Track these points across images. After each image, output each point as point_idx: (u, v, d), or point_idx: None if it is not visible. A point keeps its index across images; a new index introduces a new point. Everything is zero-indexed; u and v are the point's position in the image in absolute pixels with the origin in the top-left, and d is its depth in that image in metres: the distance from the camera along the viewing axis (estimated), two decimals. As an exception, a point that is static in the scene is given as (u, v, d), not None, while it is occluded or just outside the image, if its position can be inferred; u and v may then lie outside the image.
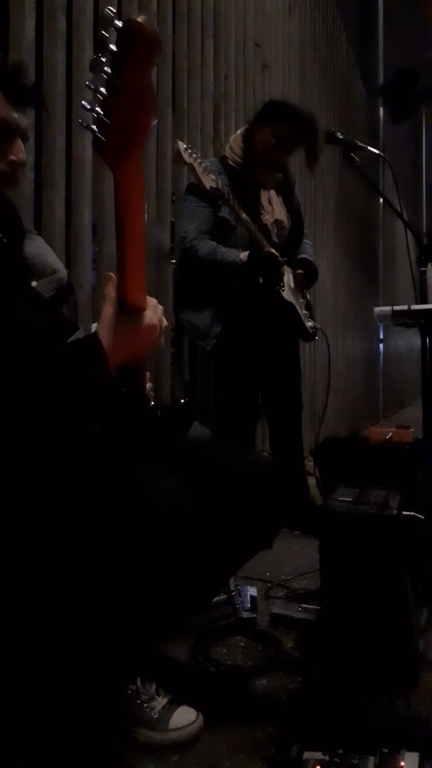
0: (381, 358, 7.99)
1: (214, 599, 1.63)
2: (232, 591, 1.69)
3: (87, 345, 0.95)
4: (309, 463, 2.90)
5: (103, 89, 0.75)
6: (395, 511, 1.44)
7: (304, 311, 2.61)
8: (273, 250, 2.29)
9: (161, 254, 2.64)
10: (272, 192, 2.57)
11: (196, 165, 2.07)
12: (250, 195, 2.45)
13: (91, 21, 2.13)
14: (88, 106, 0.77)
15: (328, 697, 1.35)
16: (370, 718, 1.28)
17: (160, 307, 1.01)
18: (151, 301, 0.99)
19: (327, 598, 1.49)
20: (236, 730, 1.25)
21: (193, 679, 1.47)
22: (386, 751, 1.09)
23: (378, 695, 1.34)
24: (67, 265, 2.03)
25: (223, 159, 2.51)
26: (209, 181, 2.09)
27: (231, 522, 1.14)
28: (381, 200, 7.11)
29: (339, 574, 1.45)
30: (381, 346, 7.98)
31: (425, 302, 2.23)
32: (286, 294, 2.47)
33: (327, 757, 1.08)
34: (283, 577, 2.08)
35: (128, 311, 0.95)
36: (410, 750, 1.09)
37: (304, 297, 2.64)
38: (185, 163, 2.08)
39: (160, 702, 1.22)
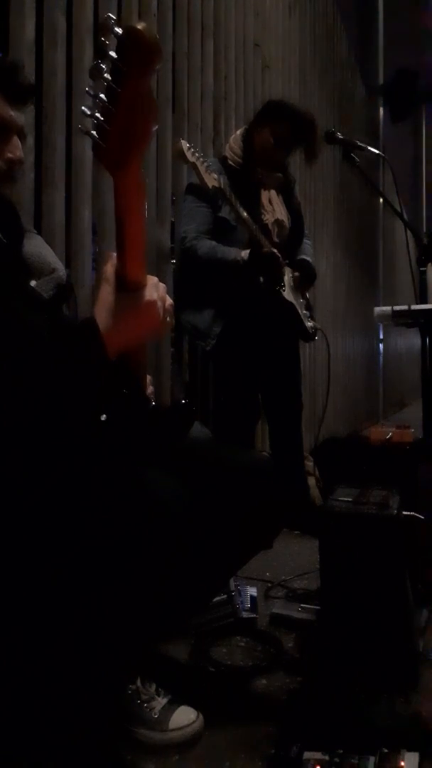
0: (381, 358, 7.99)
1: (214, 599, 1.63)
2: (232, 591, 1.69)
3: (82, 328, 0.92)
4: (309, 463, 2.90)
5: (102, 95, 0.75)
6: (395, 511, 1.44)
7: (305, 311, 2.61)
8: (274, 250, 2.29)
9: (161, 254, 2.64)
10: (272, 192, 2.57)
11: (198, 164, 2.07)
12: (251, 195, 2.45)
13: (91, 21, 2.13)
14: (88, 112, 0.77)
15: (328, 697, 1.35)
16: (370, 718, 1.28)
17: (162, 285, 0.96)
18: (152, 279, 0.95)
19: (327, 598, 1.49)
20: (236, 730, 1.25)
21: (193, 679, 1.47)
22: (386, 751, 1.09)
23: (378, 695, 1.34)
24: (67, 265, 2.03)
25: (223, 159, 2.51)
26: (212, 181, 2.10)
27: (231, 522, 1.14)
28: (381, 200, 7.11)
29: (339, 574, 1.45)
30: (381, 346, 7.99)
31: (425, 302, 2.23)
32: (287, 294, 2.47)
33: (327, 757, 1.08)
34: (283, 577, 2.08)
35: (127, 288, 0.92)
36: (410, 750, 1.09)
37: (304, 297, 2.64)
38: (188, 162, 2.08)
39: (160, 702, 1.22)
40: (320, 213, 4.96)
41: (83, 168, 2.12)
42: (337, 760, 1.08)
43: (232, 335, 2.38)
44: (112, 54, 0.72)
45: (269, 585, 2.02)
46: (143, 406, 1.09)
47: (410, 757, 1.07)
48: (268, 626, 1.72)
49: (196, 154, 2.07)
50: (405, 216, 2.56)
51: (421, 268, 2.24)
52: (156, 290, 0.94)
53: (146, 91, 0.75)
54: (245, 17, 3.49)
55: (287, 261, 2.42)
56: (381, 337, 7.94)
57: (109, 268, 0.92)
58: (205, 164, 2.10)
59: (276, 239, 2.50)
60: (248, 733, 1.24)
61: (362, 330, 6.66)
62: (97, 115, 0.75)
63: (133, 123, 0.76)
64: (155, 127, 0.79)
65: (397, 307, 2.15)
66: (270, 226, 2.51)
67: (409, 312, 2.14)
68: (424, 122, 12.73)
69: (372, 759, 1.07)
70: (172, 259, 2.67)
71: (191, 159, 2.06)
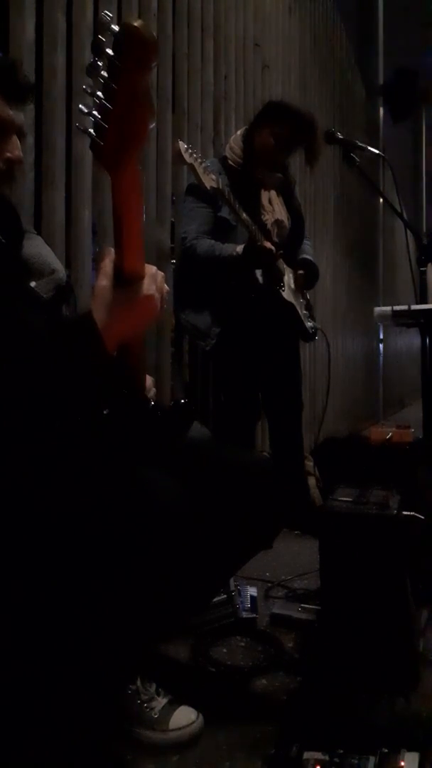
0: (381, 358, 7.99)
1: (214, 599, 1.63)
2: (232, 591, 1.69)
3: (80, 323, 0.92)
4: (309, 463, 2.90)
5: (100, 93, 0.75)
6: (395, 511, 1.44)
7: (304, 311, 2.61)
8: (268, 244, 2.29)
9: (161, 254, 2.64)
10: (272, 192, 2.58)
11: (196, 165, 2.07)
12: (251, 195, 2.45)
13: (91, 21, 2.13)
14: (86, 110, 0.77)
15: (328, 697, 1.35)
16: (370, 718, 1.28)
17: (161, 273, 0.96)
18: (150, 269, 0.95)
19: (327, 598, 1.49)
20: (236, 730, 1.25)
21: (193, 679, 1.47)
22: (386, 751, 1.09)
23: (378, 695, 1.34)
24: (67, 265, 2.03)
25: (223, 159, 2.51)
26: (210, 181, 2.10)
27: (231, 522, 1.14)
28: (381, 200, 7.11)
29: (339, 574, 1.45)
30: (381, 346, 7.98)
31: (425, 302, 2.23)
32: (287, 294, 2.47)
33: (327, 757, 1.08)
34: (283, 577, 2.08)
35: (126, 280, 0.91)
36: (410, 750, 1.09)
37: (304, 297, 2.64)
38: (186, 163, 2.08)
39: (160, 702, 1.22)
40: (320, 213, 4.96)
41: (83, 168, 2.12)
42: (337, 760, 1.08)
43: (232, 335, 2.38)
44: (109, 51, 0.72)
45: (269, 585, 2.02)
46: (143, 406, 1.10)
47: (410, 757, 1.07)
48: (268, 626, 1.72)
49: (194, 155, 2.07)
50: (405, 216, 2.56)
51: (421, 268, 2.24)
52: (154, 281, 0.94)
53: (143, 89, 0.75)
54: (245, 17, 3.49)
55: (282, 252, 2.42)
56: (381, 337, 7.94)
57: (107, 263, 0.91)
58: (204, 165, 2.10)
59: (276, 239, 2.50)
60: (248, 733, 1.24)
61: (362, 330, 6.66)
62: (95, 113, 0.75)
63: (131, 120, 0.76)
64: (153, 125, 0.79)
65: (397, 307, 2.14)
66: (270, 226, 2.51)
67: (409, 312, 2.13)
68: (424, 122, 12.73)
69: (372, 759, 1.07)
70: (172, 259, 2.67)
71: (189, 160, 2.06)
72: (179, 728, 1.20)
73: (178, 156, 2.09)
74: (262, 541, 1.28)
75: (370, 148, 2.31)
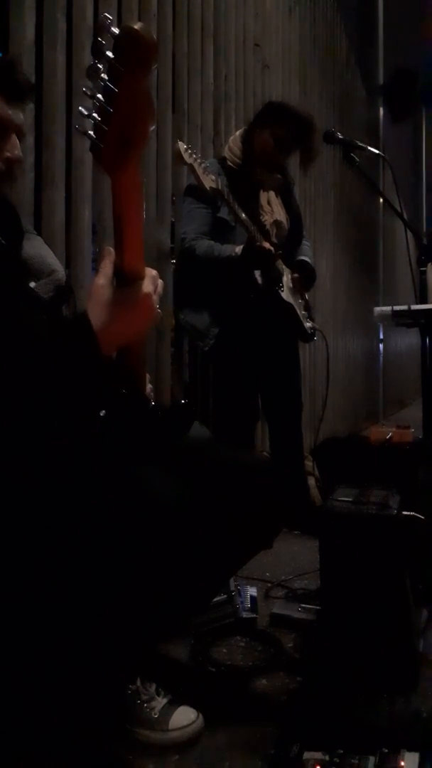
0: (381, 358, 7.99)
1: (214, 599, 1.63)
2: (232, 591, 1.69)
3: (75, 324, 0.92)
4: (309, 463, 2.90)
5: (100, 96, 0.74)
6: (395, 511, 1.44)
7: (303, 312, 2.61)
8: (267, 245, 2.29)
9: (161, 254, 2.64)
10: (271, 193, 2.58)
11: (196, 165, 2.07)
12: (250, 196, 2.45)
13: (91, 22, 2.13)
14: (86, 112, 0.77)
15: (328, 697, 1.35)
16: (370, 718, 1.28)
17: (160, 282, 0.96)
18: (150, 271, 0.94)
19: (327, 598, 1.49)
20: (236, 730, 1.25)
21: (193, 679, 1.47)
22: (386, 751, 1.09)
23: (378, 695, 1.34)
24: (67, 265, 2.03)
25: (222, 160, 2.51)
26: (209, 182, 2.10)
27: (231, 522, 1.14)
28: (381, 200, 7.11)
29: (339, 574, 1.45)
30: (381, 346, 7.98)
31: (425, 302, 2.23)
32: (285, 294, 2.47)
33: (327, 757, 1.08)
34: (283, 577, 2.08)
35: (125, 280, 0.91)
36: (410, 750, 1.09)
37: (303, 297, 2.64)
38: (185, 163, 2.08)
39: (160, 702, 1.22)
40: (320, 213, 4.96)
41: (83, 168, 2.12)
42: (337, 760, 1.08)
43: (231, 336, 2.38)
44: (109, 54, 0.72)
45: (269, 585, 2.02)
46: (142, 406, 1.10)
47: (410, 757, 1.07)
48: (268, 626, 1.72)
49: (194, 156, 2.07)
50: (405, 216, 2.56)
51: (421, 268, 2.24)
52: (153, 283, 0.94)
53: (144, 91, 0.75)
54: (245, 17, 3.49)
55: (280, 252, 2.42)
56: (381, 337, 7.94)
57: (107, 263, 0.91)
58: (203, 165, 2.10)
59: (275, 240, 2.50)
60: (248, 733, 1.24)
61: (362, 330, 6.66)
62: (95, 115, 0.75)
63: (131, 123, 0.76)
64: (153, 127, 0.79)
65: (397, 307, 2.15)
66: (269, 226, 2.51)
67: (409, 312, 2.14)
68: (424, 122, 12.73)
69: (372, 759, 1.07)
70: (172, 259, 2.67)
71: (188, 160, 2.06)
72: (179, 728, 1.20)
73: (177, 156, 2.09)
74: (262, 541, 1.28)
75: (370, 148, 2.31)
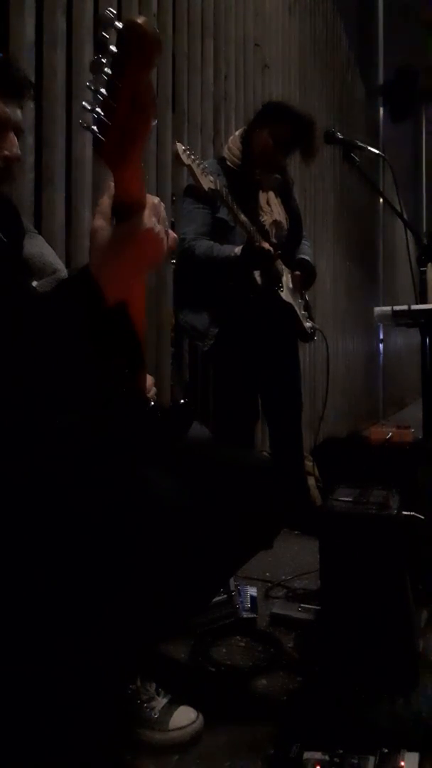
0: (381, 358, 7.99)
1: (214, 599, 1.63)
2: (232, 591, 1.69)
3: (76, 276, 0.87)
4: (309, 463, 2.90)
5: (103, 90, 0.75)
6: (395, 511, 1.44)
7: (303, 312, 2.61)
8: (266, 245, 2.29)
9: (161, 254, 2.63)
10: (271, 193, 2.58)
11: (194, 166, 2.07)
12: (249, 196, 2.45)
13: (91, 21, 2.13)
14: (89, 107, 0.77)
15: (328, 697, 1.35)
16: (370, 718, 1.28)
17: (162, 204, 0.90)
18: (152, 199, 0.88)
19: (327, 598, 1.49)
20: (236, 730, 1.25)
21: (193, 679, 1.47)
22: (386, 751, 1.09)
23: (378, 695, 1.34)
24: (67, 265, 2.03)
25: (221, 160, 2.51)
26: (207, 182, 2.09)
27: (231, 522, 1.14)
28: (381, 200, 7.11)
29: (339, 574, 1.45)
30: (381, 346, 7.98)
31: (425, 302, 2.23)
32: (285, 294, 2.47)
33: (327, 757, 1.08)
34: (283, 577, 2.08)
35: (125, 210, 0.87)
36: (410, 750, 1.09)
37: (302, 297, 2.64)
38: (184, 164, 2.08)
39: (160, 702, 1.22)
40: (320, 213, 4.96)
41: (83, 168, 2.12)
42: (337, 760, 1.07)
43: (230, 336, 2.38)
44: (113, 48, 0.72)
45: (269, 585, 2.02)
46: (143, 405, 1.09)
47: (410, 757, 1.07)
48: (268, 626, 1.72)
49: (192, 156, 2.07)
50: (405, 216, 2.56)
51: (421, 268, 2.24)
52: (155, 212, 0.88)
53: (146, 86, 0.75)
54: (245, 17, 3.49)
55: (280, 252, 2.42)
56: (381, 337, 7.94)
57: (105, 201, 0.87)
58: (201, 166, 2.10)
59: (274, 240, 2.50)
60: (248, 733, 1.24)
61: (362, 330, 6.66)
62: (98, 109, 0.75)
63: (133, 117, 0.76)
64: (155, 122, 0.79)
65: (397, 307, 2.15)
66: (268, 226, 2.51)
67: (409, 312, 2.14)
68: (424, 122, 12.73)
69: (372, 759, 1.07)
70: (172, 259, 2.67)
71: (187, 161, 2.06)
72: (179, 728, 1.20)
73: (176, 157, 2.09)
74: (262, 541, 1.28)
75: (370, 148, 2.31)
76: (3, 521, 0.87)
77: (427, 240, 2.27)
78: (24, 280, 1.17)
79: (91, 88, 0.76)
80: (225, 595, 1.67)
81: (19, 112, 1.12)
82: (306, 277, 2.61)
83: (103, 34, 0.73)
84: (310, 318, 2.68)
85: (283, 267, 2.50)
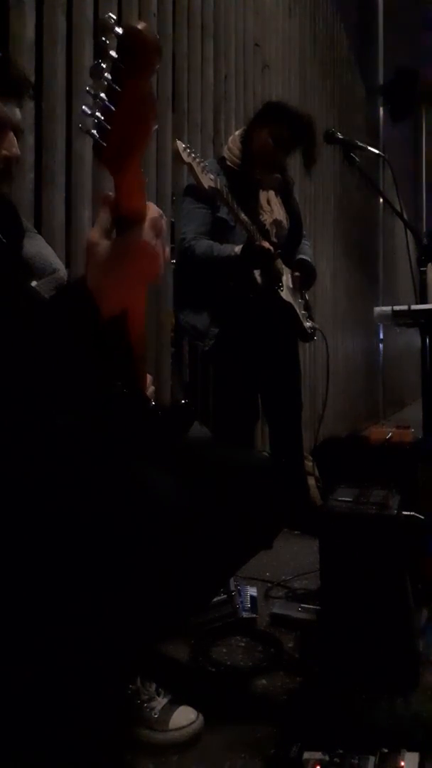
0: (381, 358, 7.99)
1: (214, 599, 1.63)
2: (232, 591, 1.69)
3: (71, 287, 0.87)
4: (309, 463, 2.90)
5: (103, 95, 0.75)
6: (395, 511, 1.44)
7: (303, 311, 2.61)
8: (266, 244, 2.29)
9: (161, 254, 2.63)
10: (271, 193, 2.58)
11: (194, 165, 2.07)
12: (249, 195, 2.45)
13: (91, 21, 2.13)
14: (89, 111, 0.77)
15: (328, 697, 1.35)
16: (370, 718, 1.28)
17: (163, 218, 0.87)
18: (153, 211, 0.86)
19: (327, 598, 1.49)
20: (236, 730, 1.25)
21: (193, 679, 1.47)
22: (386, 751, 1.09)
23: (378, 695, 1.34)
24: (67, 265, 2.03)
25: (221, 160, 2.51)
26: (208, 181, 2.10)
27: (231, 522, 1.14)
28: (381, 200, 7.11)
29: (339, 574, 1.45)
30: (381, 346, 7.98)
31: (425, 302, 2.23)
32: (285, 294, 2.47)
33: (327, 757, 1.08)
34: (283, 577, 2.08)
35: (126, 224, 0.86)
36: (410, 750, 1.09)
37: (303, 297, 2.64)
38: (184, 162, 2.08)
39: (160, 702, 1.22)
40: (320, 213, 4.96)
41: (83, 168, 2.12)
42: (337, 760, 1.07)
43: (231, 336, 2.38)
44: (113, 53, 0.72)
45: (269, 585, 2.02)
46: (143, 405, 1.09)
47: (410, 757, 1.07)
48: (268, 626, 1.72)
49: (192, 155, 2.07)
50: (405, 216, 2.56)
51: (421, 268, 2.24)
52: (154, 227, 0.86)
53: (146, 91, 0.75)
54: (245, 17, 3.49)
55: (279, 251, 2.42)
56: (381, 337, 7.94)
57: (103, 213, 0.86)
58: (202, 165, 2.10)
59: (274, 239, 2.50)
60: (248, 733, 1.24)
61: (362, 330, 6.66)
62: (98, 114, 0.75)
63: (134, 122, 0.76)
64: (155, 127, 0.79)
65: (397, 307, 2.15)
66: (268, 226, 2.51)
67: (409, 312, 2.14)
68: (424, 122, 12.73)
69: (372, 759, 1.07)
70: (172, 259, 2.67)
71: (187, 160, 2.06)
72: (179, 728, 1.20)
73: (176, 155, 2.09)
74: (262, 541, 1.28)
75: (370, 148, 2.31)
76: (3, 521, 0.87)
77: (427, 240, 2.28)
78: (23, 280, 1.17)
79: (90, 93, 0.76)
80: (225, 595, 1.67)
81: (18, 112, 1.12)
82: (306, 277, 2.61)
83: (103, 39, 0.73)
84: (310, 318, 2.68)
85: (283, 267, 2.50)
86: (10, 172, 1.12)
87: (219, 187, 2.13)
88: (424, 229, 11.59)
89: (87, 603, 0.89)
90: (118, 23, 0.73)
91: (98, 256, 0.85)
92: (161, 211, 0.88)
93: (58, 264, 1.41)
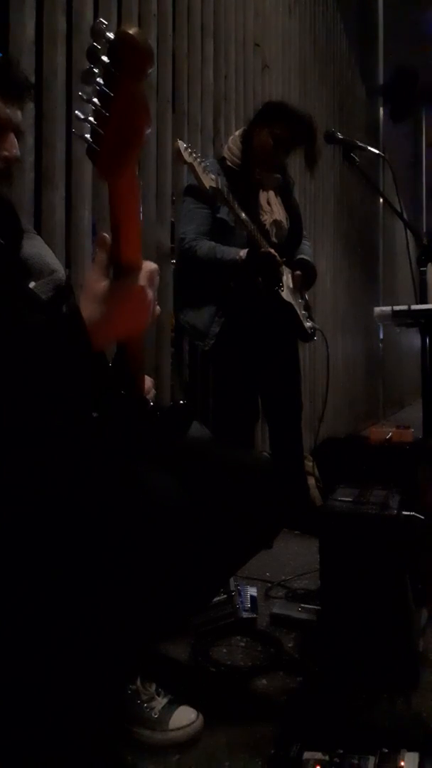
0: (381, 358, 7.99)
1: (214, 599, 1.63)
2: (232, 591, 1.69)
3: (66, 320, 0.90)
4: (309, 463, 2.90)
5: (96, 100, 0.75)
6: (395, 511, 1.44)
7: (303, 311, 2.61)
8: (271, 250, 2.29)
9: (161, 254, 2.64)
10: (271, 193, 2.57)
11: (195, 164, 2.07)
12: (249, 196, 2.45)
13: (91, 21, 2.13)
14: (82, 116, 0.77)
15: (328, 697, 1.35)
16: (370, 718, 1.28)
17: (157, 277, 0.92)
18: (148, 265, 0.91)
19: (327, 598, 1.49)
20: (236, 730, 1.25)
21: (193, 679, 1.47)
22: (386, 751, 1.09)
23: (378, 695, 1.34)
24: (67, 266, 2.03)
25: (221, 160, 2.51)
26: (209, 181, 2.09)
27: (231, 522, 1.14)
28: (381, 200, 7.11)
29: (339, 574, 1.45)
30: (381, 346, 7.98)
31: (425, 302, 2.23)
32: (285, 294, 2.47)
33: (327, 757, 1.08)
34: (283, 577, 2.09)
35: (122, 272, 0.89)
36: (410, 750, 1.09)
37: (303, 297, 2.64)
38: (185, 162, 2.08)
39: (160, 702, 1.22)
40: (320, 213, 4.96)
41: (83, 168, 2.12)
42: (337, 760, 1.08)
43: (231, 336, 2.38)
44: (104, 59, 0.72)
45: (269, 585, 2.02)
46: (142, 406, 1.10)
47: (410, 757, 1.07)
48: (268, 626, 1.72)
49: (194, 155, 2.07)
50: (405, 216, 2.56)
51: (421, 268, 2.25)
52: (149, 277, 0.91)
53: (139, 95, 0.75)
54: (245, 17, 3.49)
55: (284, 259, 2.42)
56: (381, 337, 7.94)
57: (102, 254, 0.89)
58: (203, 164, 2.10)
59: (274, 239, 2.50)
60: (248, 733, 1.24)
61: (362, 330, 6.66)
62: (91, 119, 0.76)
63: (127, 127, 0.76)
64: (149, 130, 0.79)
65: (397, 307, 2.15)
66: (268, 226, 2.51)
67: (409, 312, 2.14)
68: (424, 122, 12.73)
69: (372, 759, 1.07)
70: (172, 259, 2.67)
71: (188, 159, 2.05)
72: (179, 728, 1.20)
73: (177, 155, 2.09)
74: (262, 541, 1.28)
75: (370, 148, 2.31)
76: (4, 522, 0.87)
77: (427, 240, 2.28)
78: (22, 281, 1.17)
79: (84, 98, 0.76)
80: (225, 595, 1.67)
81: (19, 113, 1.12)
82: (306, 277, 2.61)
83: (95, 44, 0.73)
84: (310, 318, 2.68)
85: (284, 267, 2.50)
86: (11, 172, 1.12)
87: (220, 187, 2.12)
88: (424, 229, 11.59)
89: (87, 603, 0.89)
90: (111, 27, 0.73)
91: (95, 293, 0.88)
92: (158, 267, 0.92)
93: (57, 265, 1.41)
